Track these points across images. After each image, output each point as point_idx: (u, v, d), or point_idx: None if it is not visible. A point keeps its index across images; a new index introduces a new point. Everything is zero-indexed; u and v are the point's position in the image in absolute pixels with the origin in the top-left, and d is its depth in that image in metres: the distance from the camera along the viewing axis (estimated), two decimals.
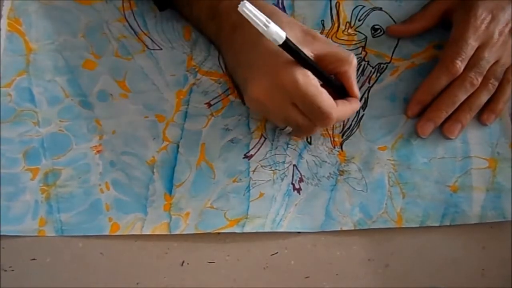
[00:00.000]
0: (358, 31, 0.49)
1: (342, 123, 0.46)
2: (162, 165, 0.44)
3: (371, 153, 0.45)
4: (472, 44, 0.44)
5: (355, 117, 0.46)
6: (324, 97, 0.39)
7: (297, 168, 0.44)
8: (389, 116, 0.46)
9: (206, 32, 0.46)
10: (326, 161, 0.45)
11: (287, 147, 0.45)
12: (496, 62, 0.45)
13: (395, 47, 0.48)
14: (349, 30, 0.49)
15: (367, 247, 0.42)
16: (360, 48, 0.48)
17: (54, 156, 0.44)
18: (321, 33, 0.48)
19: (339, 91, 0.43)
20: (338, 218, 0.42)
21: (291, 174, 0.44)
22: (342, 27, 0.49)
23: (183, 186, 0.43)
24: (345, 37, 0.48)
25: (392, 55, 0.48)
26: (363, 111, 0.46)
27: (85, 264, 0.41)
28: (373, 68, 0.48)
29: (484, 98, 0.45)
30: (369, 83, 0.47)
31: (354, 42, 0.48)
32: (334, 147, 0.45)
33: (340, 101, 0.42)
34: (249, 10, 0.34)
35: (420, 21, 0.48)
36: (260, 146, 0.45)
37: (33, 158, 0.43)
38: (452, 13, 0.46)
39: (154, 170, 0.43)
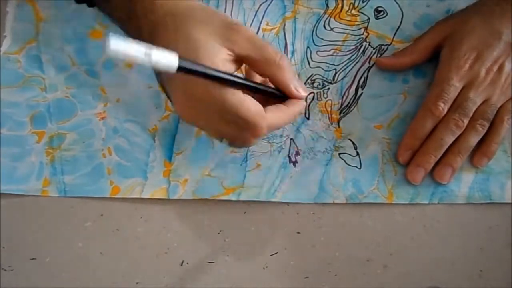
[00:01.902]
0: (362, 12, 0.49)
1: (340, 101, 0.46)
2: (163, 133, 0.44)
3: (367, 131, 0.45)
4: (455, 85, 0.42)
5: (353, 95, 0.46)
6: (247, 105, 0.34)
7: (293, 142, 0.45)
8: (387, 96, 0.46)
9: (129, 34, 0.41)
10: (322, 136, 0.45)
11: None
12: (485, 101, 0.43)
13: (397, 30, 0.49)
14: (353, 11, 0.49)
15: (366, 248, 0.42)
16: (363, 29, 0.49)
17: (59, 121, 0.45)
18: (325, 12, 0.49)
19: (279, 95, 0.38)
20: (331, 192, 0.43)
21: (288, 147, 0.45)
22: (345, 7, 0.49)
23: (182, 154, 0.44)
24: (348, 18, 0.49)
25: (393, 37, 0.48)
26: (362, 90, 0.47)
27: (85, 264, 0.41)
28: (374, 49, 0.48)
29: (473, 140, 0.43)
30: (369, 63, 0.48)
31: (356, 23, 0.49)
32: (332, 123, 0.46)
33: (272, 107, 0.37)
34: (117, 46, 0.26)
35: (411, 55, 0.46)
36: None
37: (39, 122, 0.45)
38: (442, 49, 0.45)
39: (155, 138, 0.44)
